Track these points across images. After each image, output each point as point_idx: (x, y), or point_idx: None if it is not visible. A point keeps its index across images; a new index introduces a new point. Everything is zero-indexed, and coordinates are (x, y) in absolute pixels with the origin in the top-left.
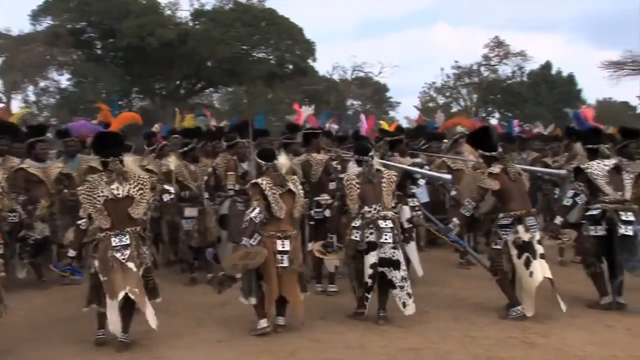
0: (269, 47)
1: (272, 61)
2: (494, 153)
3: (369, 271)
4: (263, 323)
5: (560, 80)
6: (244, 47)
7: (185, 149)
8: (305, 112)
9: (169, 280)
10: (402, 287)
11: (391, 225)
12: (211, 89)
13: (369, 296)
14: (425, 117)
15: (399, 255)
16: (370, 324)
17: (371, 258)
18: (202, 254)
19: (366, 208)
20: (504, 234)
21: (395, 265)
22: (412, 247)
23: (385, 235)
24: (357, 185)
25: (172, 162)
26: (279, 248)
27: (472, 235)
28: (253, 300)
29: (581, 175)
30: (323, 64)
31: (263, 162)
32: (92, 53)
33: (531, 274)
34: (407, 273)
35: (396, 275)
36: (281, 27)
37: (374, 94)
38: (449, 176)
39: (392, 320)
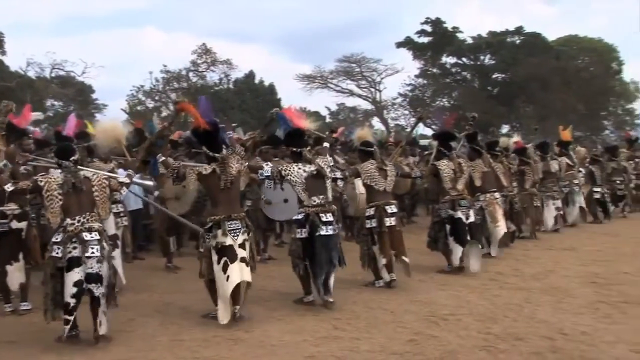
0: None
1: None
2: (217, 154)
3: (72, 290)
4: None
5: (263, 89)
6: None
7: None
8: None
9: None
10: (103, 304)
11: (98, 237)
12: None
13: (71, 318)
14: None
15: (104, 270)
16: (66, 343)
17: (75, 275)
18: None
19: (69, 220)
20: (207, 239)
21: (101, 280)
22: (116, 255)
23: (92, 248)
24: (59, 196)
25: None
26: None
27: None
28: None
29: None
30: (15, 59)
31: None
32: None
33: (228, 277)
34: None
35: (101, 292)
36: None
37: (78, 94)
38: (150, 182)
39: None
